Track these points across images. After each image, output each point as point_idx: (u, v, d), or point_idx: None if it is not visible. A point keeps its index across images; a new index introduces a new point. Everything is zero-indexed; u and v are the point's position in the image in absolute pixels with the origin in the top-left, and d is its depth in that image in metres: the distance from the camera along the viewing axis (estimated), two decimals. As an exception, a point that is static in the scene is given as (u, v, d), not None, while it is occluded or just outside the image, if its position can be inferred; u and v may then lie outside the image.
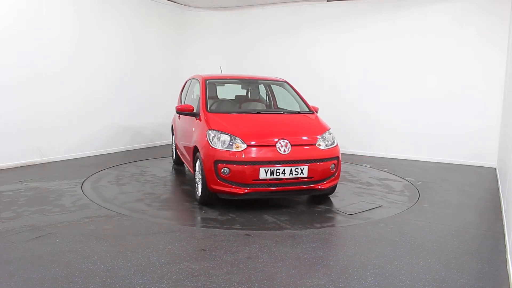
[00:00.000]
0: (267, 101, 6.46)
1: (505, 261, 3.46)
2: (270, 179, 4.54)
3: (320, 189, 4.82)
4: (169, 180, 6.24)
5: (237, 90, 6.79)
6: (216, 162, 4.53)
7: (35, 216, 4.31)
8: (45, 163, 6.97)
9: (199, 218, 4.57)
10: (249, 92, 6.56)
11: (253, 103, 6.27)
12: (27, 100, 6.64)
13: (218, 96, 6.50)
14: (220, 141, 4.63)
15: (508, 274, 3.23)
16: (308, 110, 5.70)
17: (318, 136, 4.91)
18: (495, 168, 7.44)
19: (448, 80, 7.88)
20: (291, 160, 4.58)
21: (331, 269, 3.24)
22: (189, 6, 9.89)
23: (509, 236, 3.59)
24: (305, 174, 4.63)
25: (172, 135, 7.47)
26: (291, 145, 4.65)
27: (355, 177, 6.65)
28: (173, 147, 7.37)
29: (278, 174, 4.54)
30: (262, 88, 6.57)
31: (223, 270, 3.16)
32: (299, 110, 5.74)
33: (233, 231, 4.06)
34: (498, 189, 6.00)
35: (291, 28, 9.31)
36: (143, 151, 8.67)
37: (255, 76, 6.61)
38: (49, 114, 7.00)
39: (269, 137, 4.70)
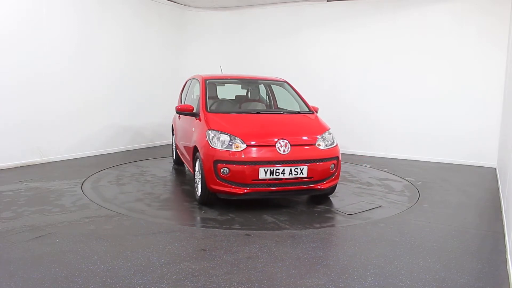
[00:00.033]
0: (267, 101, 6.46)
1: (505, 261, 3.46)
2: (269, 179, 4.54)
3: (320, 189, 4.81)
4: (169, 180, 6.24)
5: (237, 90, 6.79)
6: (216, 162, 4.54)
7: (35, 216, 4.31)
8: (45, 163, 6.97)
9: (198, 218, 4.57)
10: (249, 92, 6.56)
11: (253, 103, 6.27)
12: (27, 100, 6.64)
13: (218, 96, 6.50)
14: (220, 141, 4.63)
15: (508, 274, 3.23)
16: (308, 110, 5.70)
17: (318, 136, 4.91)
18: (495, 168, 7.44)
19: (448, 80, 7.88)
20: (290, 160, 4.58)
21: (331, 269, 3.24)
22: (189, 6, 9.89)
23: (509, 236, 3.59)
24: (305, 174, 4.63)
25: (172, 135, 7.47)
26: (291, 145, 4.65)
27: (355, 177, 6.65)
28: (173, 147, 7.37)
29: (277, 174, 4.54)
30: (262, 88, 6.57)
31: (223, 270, 3.16)
32: (299, 110, 5.74)
33: (233, 231, 4.06)
34: (498, 189, 6.00)
35: (291, 28, 9.31)
36: (143, 151, 8.67)
37: (255, 76, 6.61)
38: (49, 114, 7.00)
39: (269, 137, 4.70)
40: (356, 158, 8.26)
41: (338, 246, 3.94)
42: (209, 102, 5.55)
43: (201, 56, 9.99)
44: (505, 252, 3.66)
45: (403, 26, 8.19)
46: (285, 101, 6.23)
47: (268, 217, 4.51)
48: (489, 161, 7.63)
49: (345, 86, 8.84)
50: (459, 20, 7.72)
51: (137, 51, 8.72)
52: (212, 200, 4.83)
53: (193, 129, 5.35)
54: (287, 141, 4.66)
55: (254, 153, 4.56)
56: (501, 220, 4.56)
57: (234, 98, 6.44)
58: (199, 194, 4.92)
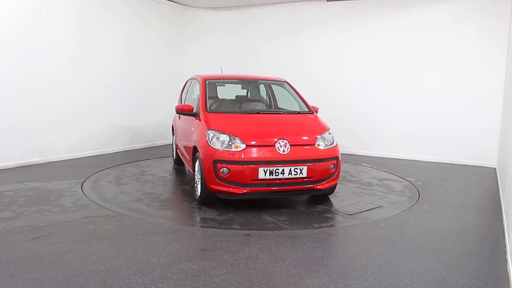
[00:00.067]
0: (267, 101, 6.46)
1: (505, 261, 3.46)
2: (269, 179, 4.54)
3: (320, 189, 4.81)
4: (169, 180, 6.24)
5: (237, 90, 6.79)
6: (215, 162, 4.53)
7: (35, 216, 4.31)
8: (45, 163, 6.97)
9: (198, 218, 4.57)
10: (249, 92, 6.56)
11: (253, 103, 6.27)
12: (27, 100, 6.64)
13: (219, 96, 6.50)
14: (219, 141, 4.63)
15: (508, 274, 3.23)
16: (307, 110, 5.70)
17: (318, 136, 4.91)
18: (495, 168, 7.44)
19: (448, 80, 7.88)
20: (290, 160, 4.58)
21: (331, 269, 3.24)
22: (189, 6, 9.89)
23: (509, 236, 3.59)
24: (304, 174, 4.63)
25: (173, 135, 7.47)
26: (290, 145, 4.65)
27: (355, 177, 6.65)
28: (174, 147, 7.38)
29: (277, 174, 4.54)
30: (262, 88, 6.57)
31: (223, 270, 3.16)
32: (298, 110, 5.74)
33: (232, 231, 4.06)
34: (498, 189, 6.00)
35: (291, 28, 9.31)
36: (143, 151, 8.67)
37: (255, 76, 6.61)
38: (49, 114, 7.00)
39: (268, 137, 4.70)
40: (356, 158, 8.26)
41: (338, 246, 3.94)
42: (209, 102, 5.55)
43: (201, 56, 9.99)
44: (505, 252, 3.66)
45: (403, 26, 8.19)
46: (285, 101, 6.23)
47: (267, 217, 4.51)
48: (489, 161, 7.63)
49: (345, 86, 8.84)
50: (459, 20, 7.72)
51: (137, 51, 8.72)
52: (212, 200, 4.83)
53: (192, 129, 5.35)
54: (286, 141, 4.66)
55: (253, 153, 4.56)
56: (501, 220, 4.56)
57: (234, 98, 6.44)
58: (199, 194, 4.92)
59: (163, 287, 2.86)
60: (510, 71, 6.10)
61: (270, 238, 3.87)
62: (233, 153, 4.53)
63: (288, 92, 6.11)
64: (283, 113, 5.70)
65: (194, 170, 5.19)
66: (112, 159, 7.61)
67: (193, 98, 6.22)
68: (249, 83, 6.50)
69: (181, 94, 7.14)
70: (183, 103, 6.66)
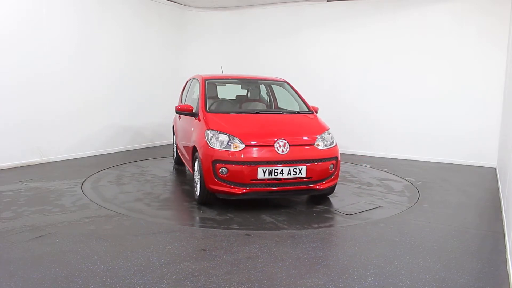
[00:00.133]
0: (268, 101, 6.46)
1: (505, 261, 3.46)
2: (268, 179, 4.54)
3: (319, 189, 4.81)
4: (169, 180, 6.24)
5: (238, 90, 6.80)
6: (214, 162, 4.53)
7: (35, 216, 4.31)
8: (45, 163, 6.97)
9: (197, 218, 4.57)
10: (249, 92, 6.56)
11: (253, 103, 6.26)
12: (27, 100, 6.64)
13: (219, 96, 6.50)
14: (219, 141, 4.63)
15: (508, 274, 3.23)
16: (307, 110, 5.70)
17: (317, 136, 4.90)
18: (495, 168, 7.44)
19: (448, 80, 7.88)
20: (289, 160, 4.57)
21: (331, 269, 3.24)
22: (189, 6, 9.89)
23: (509, 236, 3.59)
24: (304, 174, 4.63)
25: (173, 135, 7.48)
26: (290, 145, 4.65)
27: (355, 177, 6.65)
28: (174, 147, 7.38)
29: (276, 174, 4.53)
30: (262, 88, 6.57)
31: (223, 270, 3.16)
32: (298, 110, 5.74)
33: (232, 231, 4.06)
34: (498, 189, 6.00)
35: (291, 28, 9.31)
36: (143, 151, 8.67)
37: (255, 76, 6.61)
38: (49, 114, 7.00)
39: (268, 137, 4.69)
40: (356, 158, 8.26)
41: (338, 246, 3.94)
42: (208, 102, 5.55)
43: (201, 56, 9.99)
44: (505, 252, 3.66)
45: (403, 26, 8.19)
46: (285, 101, 6.23)
47: (266, 217, 4.51)
48: (489, 161, 7.62)
49: (345, 86, 8.84)
50: (459, 20, 7.72)
51: (137, 51, 8.72)
52: (211, 200, 4.83)
53: (192, 129, 5.35)
54: (285, 141, 4.65)
55: (252, 153, 4.56)
56: (501, 220, 4.56)
57: (234, 98, 6.44)
58: (198, 194, 4.92)
59: (163, 287, 2.86)
60: (510, 71, 6.10)
61: (270, 238, 3.87)
62: (232, 153, 4.53)
63: (288, 92, 6.11)
64: (282, 113, 5.70)
65: (193, 170, 5.19)
66: (112, 159, 7.61)
67: (193, 98, 6.22)
68: (249, 83, 6.50)
69: (182, 94, 7.14)
70: (183, 103, 6.66)
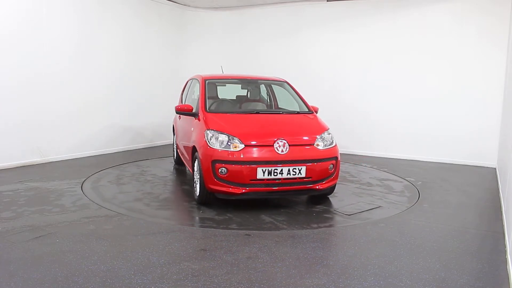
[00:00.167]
0: (268, 101, 6.46)
1: (505, 261, 3.46)
2: (267, 179, 4.54)
3: (319, 189, 4.81)
4: (169, 180, 6.24)
5: (238, 90, 6.80)
6: (214, 162, 4.53)
7: (35, 216, 4.31)
8: (45, 163, 6.97)
9: (197, 218, 4.57)
10: (249, 92, 6.56)
11: (253, 103, 6.27)
12: (27, 100, 6.64)
13: (219, 96, 6.50)
14: (218, 141, 4.63)
15: (508, 274, 3.23)
16: (307, 110, 5.69)
17: (317, 136, 4.90)
18: (495, 168, 7.44)
19: (448, 80, 7.88)
20: (288, 160, 4.57)
21: (331, 269, 3.24)
22: (189, 6, 9.89)
23: (509, 236, 3.59)
24: (303, 174, 4.62)
25: (173, 135, 7.48)
26: (289, 145, 4.65)
27: (355, 177, 6.65)
28: (174, 147, 7.38)
29: (275, 174, 4.53)
30: (262, 88, 6.57)
31: (223, 270, 3.16)
32: (298, 110, 5.73)
33: (232, 231, 4.06)
34: (498, 189, 6.00)
35: (291, 28, 9.31)
36: (143, 151, 8.67)
37: (255, 76, 6.61)
38: (49, 114, 7.00)
39: (267, 137, 4.69)
40: (356, 158, 8.26)
41: (338, 246, 3.94)
42: (208, 102, 5.55)
43: (201, 56, 9.99)
44: (505, 252, 3.66)
45: (403, 26, 8.19)
46: (285, 101, 6.23)
47: (265, 217, 4.51)
48: (489, 161, 7.62)
49: (345, 86, 8.84)
50: (459, 20, 7.72)
51: (137, 51, 8.72)
52: (211, 200, 4.83)
53: (192, 129, 5.35)
54: (285, 141, 4.65)
55: (252, 153, 4.56)
56: (501, 220, 4.56)
57: (235, 98, 6.44)
58: (198, 194, 4.92)
59: (163, 287, 2.86)
60: (510, 71, 6.10)
61: (269, 238, 3.87)
62: (232, 153, 4.53)
63: (288, 92, 6.10)
64: (282, 113, 5.70)
65: (193, 170, 5.19)
66: (112, 159, 7.61)
67: (194, 98, 6.22)
68: (249, 83, 6.50)
69: (182, 94, 7.14)
70: (183, 103, 6.66)
